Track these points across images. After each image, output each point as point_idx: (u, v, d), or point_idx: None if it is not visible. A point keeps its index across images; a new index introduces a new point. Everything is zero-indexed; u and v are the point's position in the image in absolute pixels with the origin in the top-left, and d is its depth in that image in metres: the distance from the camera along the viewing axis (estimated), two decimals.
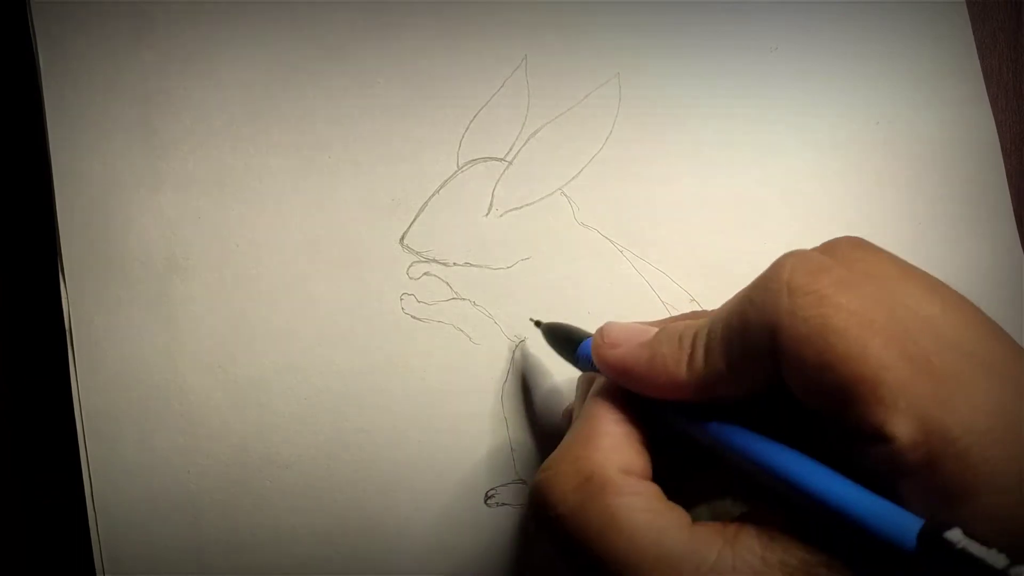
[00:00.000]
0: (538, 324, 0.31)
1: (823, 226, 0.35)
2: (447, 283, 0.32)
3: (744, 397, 0.20)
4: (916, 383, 0.17)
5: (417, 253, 0.32)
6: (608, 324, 0.24)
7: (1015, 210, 0.37)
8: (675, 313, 0.34)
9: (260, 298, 0.31)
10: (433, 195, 0.33)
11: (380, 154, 0.32)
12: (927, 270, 0.35)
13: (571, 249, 0.33)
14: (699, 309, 0.24)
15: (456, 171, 0.33)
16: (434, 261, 0.32)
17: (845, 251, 0.21)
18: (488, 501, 0.32)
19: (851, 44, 0.36)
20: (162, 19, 0.32)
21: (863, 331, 0.17)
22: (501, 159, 0.33)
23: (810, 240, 0.35)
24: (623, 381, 0.23)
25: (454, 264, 0.33)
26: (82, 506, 0.30)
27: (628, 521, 0.19)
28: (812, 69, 0.36)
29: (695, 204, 0.34)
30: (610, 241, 0.34)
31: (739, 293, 0.20)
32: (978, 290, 0.36)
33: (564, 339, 0.29)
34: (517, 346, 0.32)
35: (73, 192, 0.30)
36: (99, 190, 0.31)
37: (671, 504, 0.20)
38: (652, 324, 0.24)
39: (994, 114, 0.37)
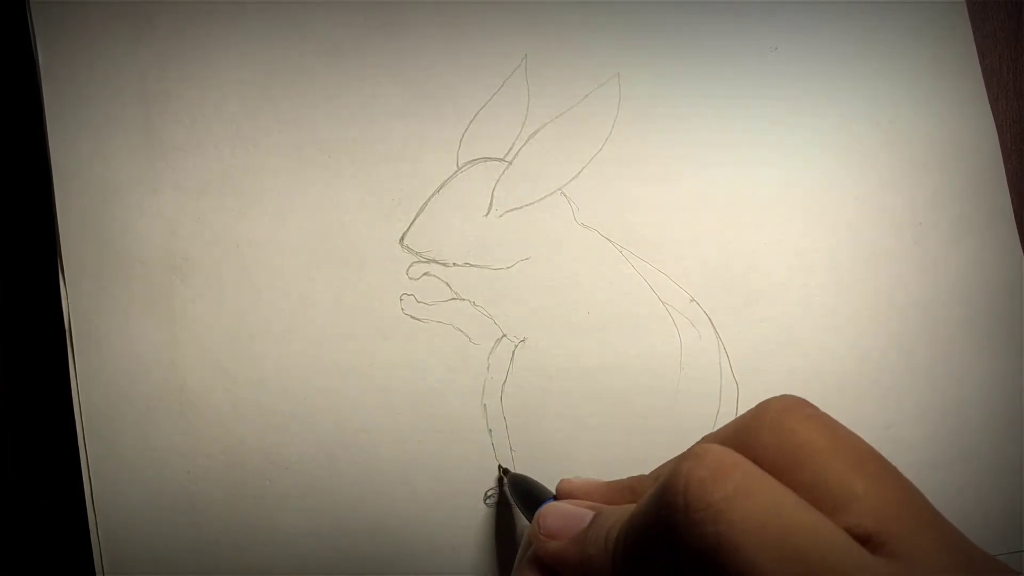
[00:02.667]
0: (505, 473, 0.31)
1: (823, 226, 0.35)
2: (447, 283, 0.32)
3: None
4: None
5: (417, 253, 0.32)
6: (546, 511, 0.24)
7: (1015, 210, 0.37)
8: (674, 312, 0.34)
9: (260, 298, 0.31)
10: (433, 195, 0.33)
11: (380, 154, 0.32)
12: (927, 270, 0.35)
13: (571, 249, 0.33)
14: (643, 475, 0.25)
15: (456, 171, 0.33)
16: (434, 261, 0.32)
17: (774, 418, 0.21)
18: (487, 501, 0.32)
19: (851, 44, 0.36)
20: (162, 19, 0.32)
21: (758, 550, 0.17)
22: (501, 159, 0.33)
23: (810, 240, 0.35)
24: (558, 571, 0.23)
25: (454, 264, 0.33)
26: (82, 506, 0.30)
27: None
28: (812, 69, 0.36)
29: (695, 204, 0.34)
30: (610, 241, 0.34)
31: (651, 491, 0.20)
32: (978, 290, 0.36)
33: (526, 494, 0.29)
34: (517, 346, 0.32)
35: (73, 192, 0.30)
36: (99, 190, 0.31)
37: None
38: (592, 497, 0.24)
39: (994, 114, 0.37)
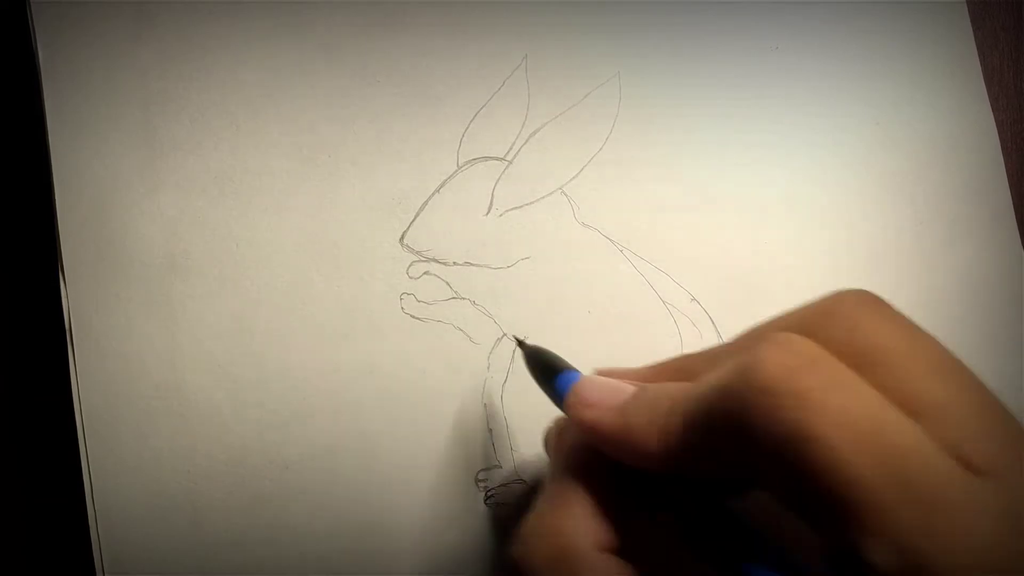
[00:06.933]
0: (521, 343, 0.30)
1: (823, 226, 0.35)
2: (447, 283, 0.32)
3: (720, 478, 0.19)
4: (901, 510, 0.15)
5: (417, 253, 0.32)
6: (583, 381, 0.23)
7: (1015, 210, 0.37)
8: (675, 312, 0.34)
9: (260, 298, 0.31)
10: (433, 194, 0.33)
11: (380, 154, 0.32)
12: (927, 270, 0.35)
13: (571, 249, 0.33)
14: (690, 353, 0.23)
15: (456, 171, 0.33)
16: (434, 261, 0.32)
17: (847, 314, 0.19)
18: (488, 501, 0.32)
19: (852, 44, 0.36)
20: (162, 19, 0.32)
21: (848, 445, 0.16)
22: (501, 159, 0.33)
23: (810, 240, 0.35)
24: (594, 443, 0.22)
25: (454, 264, 0.33)
26: (82, 506, 0.30)
27: None
28: (812, 69, 0.36)
29: (695, 204, 0.34)
30: (610, 240, 0.34)
31: (721, 372, 0.18)
32: (978, 290, 0.36)
33: (545, 367, 0.27)
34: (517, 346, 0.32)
35: (73, 192, 0.30)
36: (99, 190, 0.31)
37: None
38: (632, 379, 0.23)
39: (994, 114, 0.37)
